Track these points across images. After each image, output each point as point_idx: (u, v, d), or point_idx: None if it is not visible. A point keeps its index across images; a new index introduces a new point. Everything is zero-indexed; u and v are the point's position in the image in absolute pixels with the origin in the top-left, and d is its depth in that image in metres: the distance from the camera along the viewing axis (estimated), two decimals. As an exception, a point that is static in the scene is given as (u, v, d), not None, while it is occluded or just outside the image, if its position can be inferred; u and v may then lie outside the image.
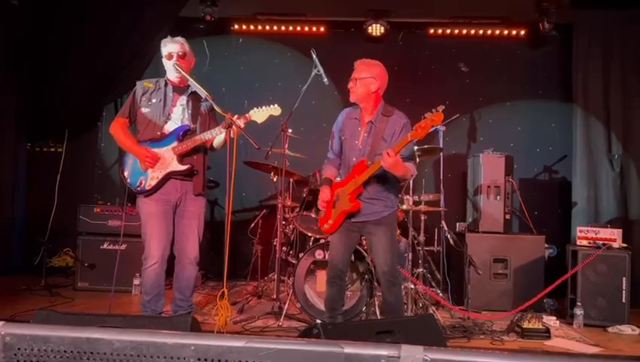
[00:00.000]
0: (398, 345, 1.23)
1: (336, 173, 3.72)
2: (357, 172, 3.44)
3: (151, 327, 2.43)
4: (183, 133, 3.66)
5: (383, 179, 3.46)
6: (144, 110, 3.72)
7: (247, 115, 3.61)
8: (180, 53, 3.71)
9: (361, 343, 1.26)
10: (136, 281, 5.09)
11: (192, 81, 3.64)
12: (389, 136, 3.46)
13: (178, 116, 3.73)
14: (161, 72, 3.90)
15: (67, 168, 6.19)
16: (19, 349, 1.29)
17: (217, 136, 3.66)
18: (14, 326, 1.32)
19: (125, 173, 3.71)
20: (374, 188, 3.47)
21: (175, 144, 3.64)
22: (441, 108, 3.08)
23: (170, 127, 3.69)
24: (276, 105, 3.65)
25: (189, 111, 3.74)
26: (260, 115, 3.62)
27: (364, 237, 3.90)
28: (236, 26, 6.48)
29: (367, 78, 3.50)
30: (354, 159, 3.53)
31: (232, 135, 3.44)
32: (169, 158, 3.64)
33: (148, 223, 3.66)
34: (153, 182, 3.63)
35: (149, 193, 3.64)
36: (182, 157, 3.66)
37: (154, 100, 3.71)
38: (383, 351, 1.24)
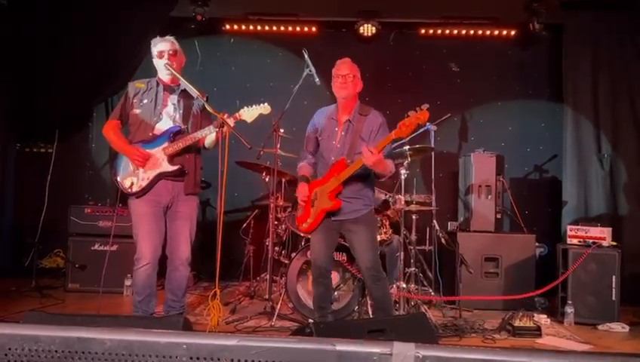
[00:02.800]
0: (390, 342, 1.23)
1: (312, 171, 3.75)
2: (336, 171, 3.46)
3: (142, 327, 2.41)
4: (174, 134, 3.65)
5: (362, 177, 3.49)
6: (136, 111, 3.70)
7: (237, 114, 3.61)
8: (171, 52, 3.69)
9: (353, 340, 1.26)
10: (127, 282, 5.06)
11: (183, 81, 3.63)
12: (367, 135, 3.50)
13: (170, 116, 3.71)
14: (152, 72, 3.88)
15: (58, 169, 6.15)
16: (9, 349, 1.28)
17: (208, 136, 3.66)
18: (4, 326, 1.30)
19: (117, 175, 3.70)
20: (353, 187, 3.49)
21: (166, 145, 3.63)
22: (425, 106, 3.10)
23: (161, 127, 3.68)
24: (266, 104, 3.65)
25: (181, 111, 3.73)
26: (249, 113, 3.63)
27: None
28: (227, 26, 6.47)
29: (357, 77, 3.57)
30: (332, 158, 3.55)
31: (223, 134, 3.44)
32: (160, 159, 3.63)
33: (139, 224, 3.65)
34: (144, 183, 3.61)
35: (139, 194, 3.63)
36: (172, 158, 3.64)
37: (145, 101, 3.70)
38: (375, 349, 1.24)
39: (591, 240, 4.63)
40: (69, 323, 2.37)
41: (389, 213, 4.76)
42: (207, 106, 3.57)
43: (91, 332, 1.28)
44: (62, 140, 6.24)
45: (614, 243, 4.66)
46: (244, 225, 5.52)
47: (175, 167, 3.64)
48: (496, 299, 4.87)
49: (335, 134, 3.59)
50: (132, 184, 3.63)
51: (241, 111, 3.63)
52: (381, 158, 3.24)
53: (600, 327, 4.44)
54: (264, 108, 3.65)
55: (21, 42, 5.91)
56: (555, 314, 4.73)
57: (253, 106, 3.64)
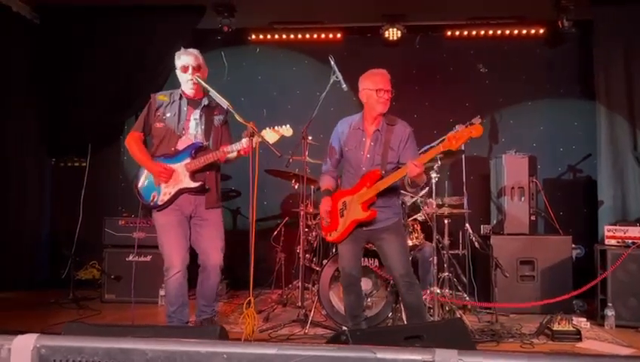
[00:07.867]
0: (431, 349, 1.22)
1: (334, 184, 3.74)
2: (368, 181, 3.44)
3: (179, 337, 2.43)
4: (196, 151, 3.67)
5: (392, 187, 3.47)
6: (159, 124, 3.72)
7: (258, 136, 3.57)
8: (195, 66, 3.70)
9: (394, 347, 1.25)
10: (162, 292, 5.11)
11: (213, 92, 3.63)
12: (396, 145, 3.49)
13: (192, 131, 3.73)
14: (177, 84, 3.90)
15: (91, 182, 6.28)
16: (54, 361, 1.31)
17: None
18: (49, 338, 1.33)
19: (139, 188, 3.74)
20: (385, 197, 3.49)
21: (188, 161, 3.64)
22: (477, 120, 3.07)
23: (184, 142, 3.70)
24: (288, 126, 3.64)
25: (202, 126, 3.74)
26: (271, 135, 3.60)
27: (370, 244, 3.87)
28: (253, 36, 6.53)
29: None
30: (363, 169, 3.53)
31: (253, 145, 3.43)
32: (182, 175, 3.65)
33: (164, 233, 3.67)
34: (166, 198, 3.64)
35: (161, 208, 3.66)
36: (194, 174, 3.66)
37: (168, 114, 3.72)
38: (416, 356, 1.22)
39: (630, 241, 4.50)
40: (108, 333, 2.41)
41: (418, 216, 4.71)
42: (236, 116, 3.56)
43: (133, 343, 1.29)
44: (95, 154, 6.38)
45: (655, 243, 4.53)
46: (275, 232, 5.54)
47: (197, 184, 3.65)
48: (534, 305, 4.75)
49: (363, 145, 3.57)
50: (154, 198, 3.66)
51: (263, 132, 3.58)
52: (422, 170, 3.25)
53: (643, 330, 4.31)
54: (286, 130, 3.64)
55: (52, 58, 6.08)
56: (595, 317, 4.60)
57: (276, 127, 3.63)
